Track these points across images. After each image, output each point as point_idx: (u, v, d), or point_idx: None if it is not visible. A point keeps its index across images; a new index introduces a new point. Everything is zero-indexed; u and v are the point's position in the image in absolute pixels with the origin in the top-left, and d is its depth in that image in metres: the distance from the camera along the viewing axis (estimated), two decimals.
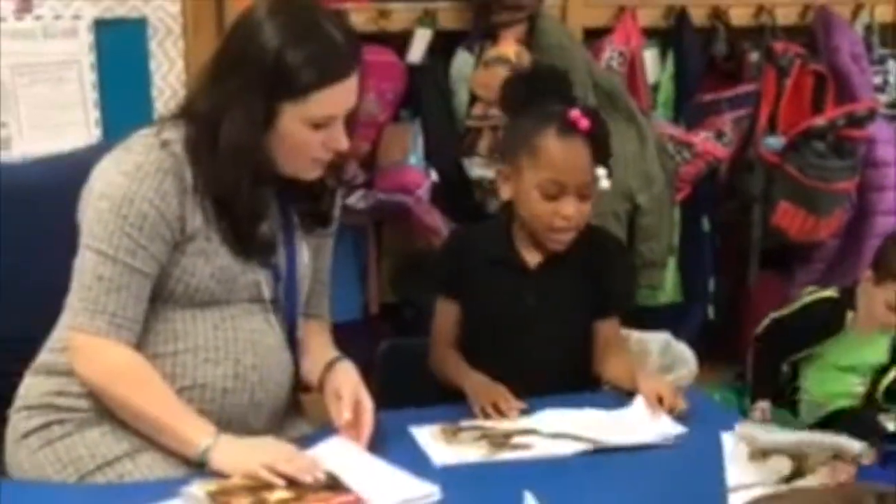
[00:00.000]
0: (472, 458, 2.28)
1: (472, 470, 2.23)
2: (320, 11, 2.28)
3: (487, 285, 2.65)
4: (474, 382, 2.55)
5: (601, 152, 2.56)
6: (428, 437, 2.35)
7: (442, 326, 2.72)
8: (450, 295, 2.72)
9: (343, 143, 2.29)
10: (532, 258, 2.64)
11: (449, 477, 2.15)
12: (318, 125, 2.24)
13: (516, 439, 2.35)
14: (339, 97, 2.24)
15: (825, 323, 3.28)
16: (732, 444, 2.27)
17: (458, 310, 2.71)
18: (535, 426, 2.39)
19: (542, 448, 2.32)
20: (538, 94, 2.59)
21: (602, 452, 2.29)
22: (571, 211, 2.54)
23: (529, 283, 2.64)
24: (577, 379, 2.65)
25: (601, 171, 2.55)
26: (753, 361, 3.36)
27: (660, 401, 2.43)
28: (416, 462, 2.22)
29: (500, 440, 2.34)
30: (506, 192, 2.64)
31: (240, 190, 2.23)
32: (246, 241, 2.27)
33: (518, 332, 2.63)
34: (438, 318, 2.74)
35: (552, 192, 2.54)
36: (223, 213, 2.25)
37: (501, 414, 2.44)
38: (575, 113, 2.52)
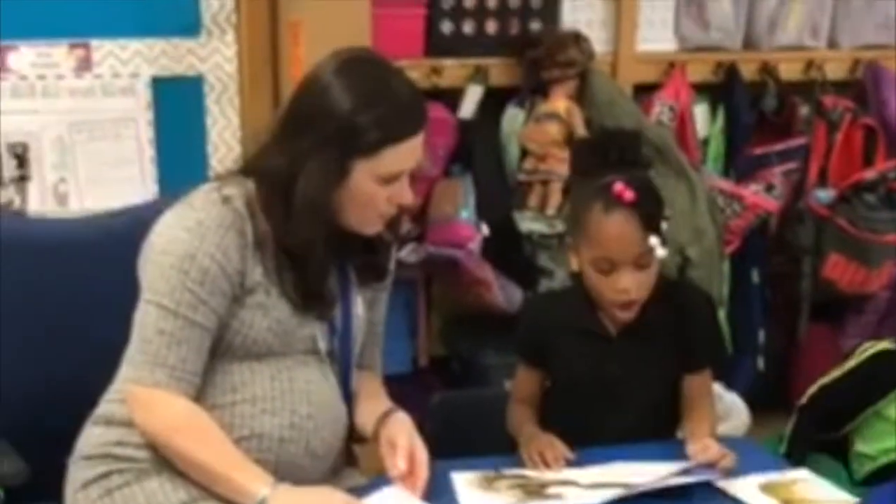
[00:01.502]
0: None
1: None
2: (388, 69, 2.31)
3: (570, 354, 2.61)
4: (527, 431, 2.56)
5: (652, 221, 2.47)
6: (464, 482, 2.36)
7: (521, 392, 2.70)
8: (530, 364, 2.69)
9: (408, 197, 2.32)
10: (614, 325, 2.59)
11: None
12: (386, 181, 2.27)
13: (552, 489, 2.35)
14: (408, 153, 2.28)
15: (884, 377, 3.22)
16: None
17: (538, 377, 2.68)
18: (575, 477, 2.39)
19: (574, 498, 2.31)
20: (605, 159, 2.52)
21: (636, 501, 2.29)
22: (627, 284, 2.47)
23: (613, 351, 2.59)
24: (663, 439, 2.63)
25: (654, 240, 2.45)
26: (791, 430, 3.27)
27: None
28: None
29: (535, 489, 2.35)
30: (573, 264, 2.59)
31: (314, 246, 2.26)
32: (311, 296, 2.30)
33: (602, 398, 2.59)
34: (518, 383, 2.71)
35: (605, 267, 2.48)
36: (289, 267, 2.27)
37: (546, 464, 2.44)
38: (619, 186, 2.44)
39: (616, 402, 2.60)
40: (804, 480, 2.44)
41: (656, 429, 2.64)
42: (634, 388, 2.60)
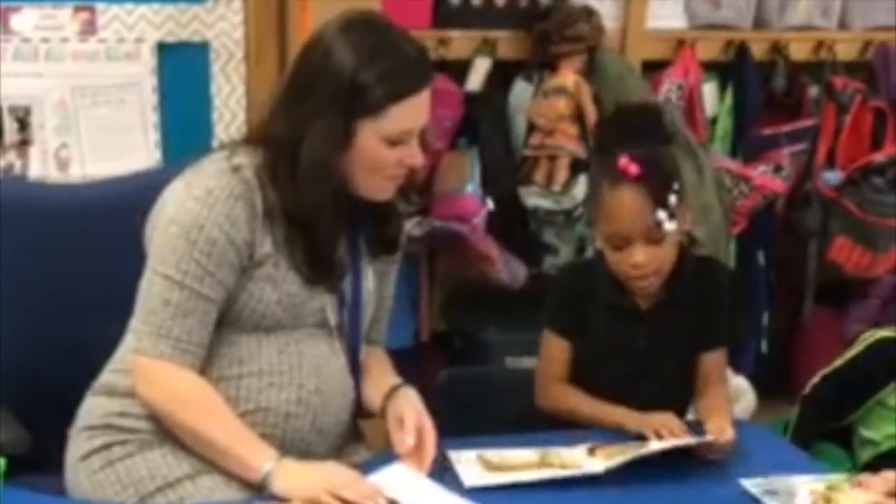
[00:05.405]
0: (502, 480, 2.26)
1: (501, 492, 2.23)
2: (389, 27, 2.29)
3: (600, 328, 2.60)
4: (614, 412, 2.52)
5: (660, 195, 2.45)
6: (464, 460, 2.33)
7: (552, 362, 2.65)
8: (564, 334, 2.64)
9: (418, 158, 2.29)
10: (644, 301, 2.58)
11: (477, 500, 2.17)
12: (394, 141, 2.23)
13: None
14: (413, 111, 2.24)
15: (885, 366, 3.20)
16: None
17: (569, 349, 2.64)
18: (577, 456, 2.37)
19: (574, 468, 2.30)
20: (625, 135, 2.52)
21: (637, 479, 2.27)
22: (640, 259, 2.47)
23: (642, 326, 2.58)
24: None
25: (662, 215, 2.44)
26: (796, 419, 3.25)
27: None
28: (446, 486, 2.23)
29: (536, 465, 2.33)
30: (599, 240, 2.60)
31: (322, 212, 2.23)
32: (321, 266, 2.26)
33: (629, 373, 2.59)
34: (548, 353, 2.66)
35: (617, 243, 2.49)
36: (299, 237, 2.24)
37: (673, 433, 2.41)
38: (623, 160, 2.44)
39: (643, 377, 2.59)
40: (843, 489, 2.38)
41: (677, 407, 2.61)
42: (662, 363, 2.59)
